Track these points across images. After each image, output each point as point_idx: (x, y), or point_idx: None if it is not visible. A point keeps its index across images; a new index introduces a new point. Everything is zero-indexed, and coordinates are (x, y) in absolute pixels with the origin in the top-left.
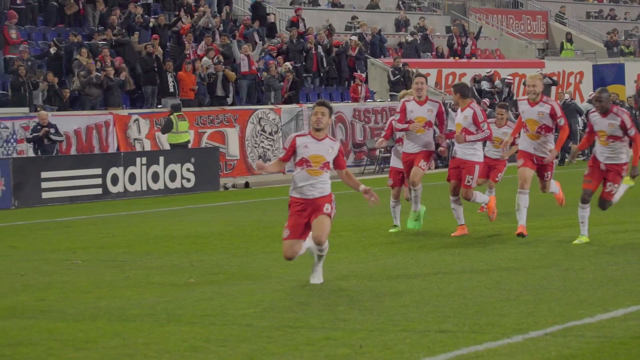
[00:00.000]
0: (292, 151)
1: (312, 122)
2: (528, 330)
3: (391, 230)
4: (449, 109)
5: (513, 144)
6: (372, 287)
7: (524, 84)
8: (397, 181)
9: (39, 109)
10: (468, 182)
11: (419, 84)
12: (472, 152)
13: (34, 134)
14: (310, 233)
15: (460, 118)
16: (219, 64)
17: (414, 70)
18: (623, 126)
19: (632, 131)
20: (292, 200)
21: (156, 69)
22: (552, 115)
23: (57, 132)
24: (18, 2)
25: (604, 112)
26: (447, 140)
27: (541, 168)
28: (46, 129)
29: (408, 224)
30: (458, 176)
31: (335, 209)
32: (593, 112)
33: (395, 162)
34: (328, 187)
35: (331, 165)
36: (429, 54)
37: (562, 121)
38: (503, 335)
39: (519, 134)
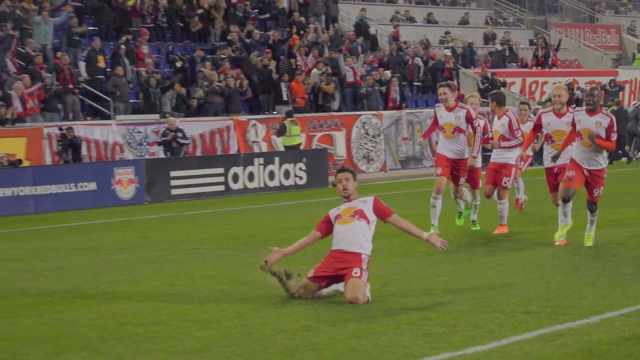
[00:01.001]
0: (325, 224)
1: (340, 191)
2: (604, 311)
3: (472, 228)
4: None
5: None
6: (463, 272)
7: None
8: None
9: (167, 116)
10: (505, 183)
11: (442, 95)
12: (509, 156)
13: (163, 138)
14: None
15: (498, 125)
16: (322, 75)
17: (502, 79)
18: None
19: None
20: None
21: (271, 80)
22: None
23: (184, 136)
24: (147, 21)
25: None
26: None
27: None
28: (173, 133)
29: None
30: (494, 180)
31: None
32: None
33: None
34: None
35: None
36: (514, 64)
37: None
38: (582, 316)
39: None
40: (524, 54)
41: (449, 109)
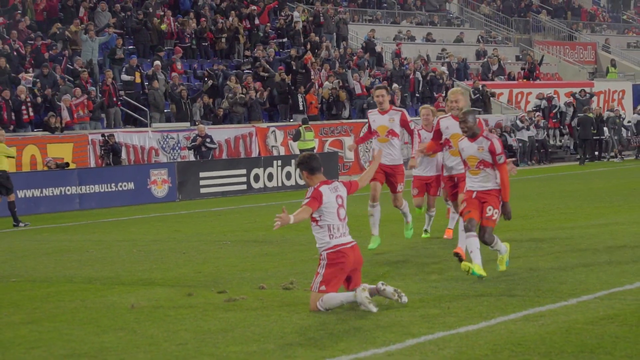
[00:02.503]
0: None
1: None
2: (581, 294)
3: (423, 236)
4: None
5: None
6: (456, 260)
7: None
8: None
9: (197, 123)
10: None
11: (379, 97)
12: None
13: (193, 143)
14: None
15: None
16: (334, 89)
17: (491, 90)
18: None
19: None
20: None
21: (288, 91)
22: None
23: (212, 141)
24: (183, 41)
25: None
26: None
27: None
28: (201, 138)
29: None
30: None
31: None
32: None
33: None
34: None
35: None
36: (502, 77)
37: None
38: (561, 299)
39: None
40: (511, 68)
41: (383, 112)
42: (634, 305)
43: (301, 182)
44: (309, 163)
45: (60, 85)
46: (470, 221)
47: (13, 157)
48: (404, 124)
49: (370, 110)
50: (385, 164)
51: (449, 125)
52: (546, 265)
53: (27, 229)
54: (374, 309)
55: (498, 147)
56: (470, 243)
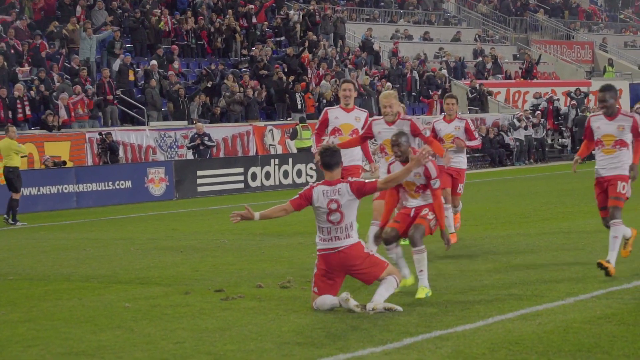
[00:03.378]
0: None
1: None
2: (578, 294)
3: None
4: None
5: None
6: (454, 260)
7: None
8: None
9: (195, 122)
10: (460, 190)
11: (347, 91)
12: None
13: (192, 143)
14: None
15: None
16: (333, 87)
17: (488, 89)
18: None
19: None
20: None
21: (285, 90)
22: (413, 129)
23: (210, 139)
24: (178, 39)
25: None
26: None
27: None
28: (199, 137)
29: None
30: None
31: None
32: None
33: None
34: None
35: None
36: (499, 75)
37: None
38: (558, 298)
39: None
40: (508, 66)
41: (348, 110)
42: (631, 304)
43: (297, 182)
44: (324, 157)
45: (58, 83)
46: (390, 231)
47: (25, 155)
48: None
49: (329, 108)
50: (345, 165)
51: (381, 131)
52: (543, 264)
53: (24, 227)
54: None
55: (433, 172)
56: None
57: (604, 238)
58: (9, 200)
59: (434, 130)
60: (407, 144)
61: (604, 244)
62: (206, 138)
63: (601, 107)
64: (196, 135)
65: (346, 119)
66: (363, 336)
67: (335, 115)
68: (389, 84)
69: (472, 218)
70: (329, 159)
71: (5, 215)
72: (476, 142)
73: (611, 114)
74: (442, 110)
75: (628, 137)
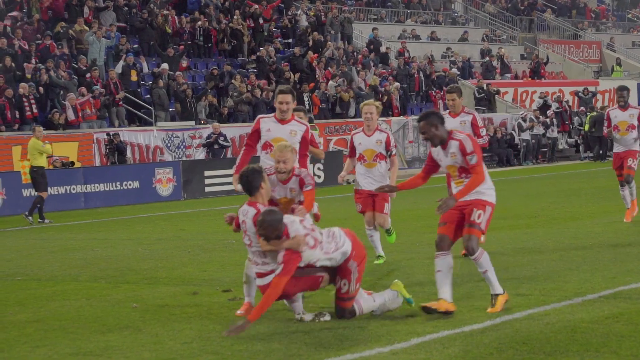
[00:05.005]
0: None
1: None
2: (586, 293)
3: (376, 262)
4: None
5: None
6: (461, 260)
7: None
8: (366, 205)
9: (202, 122)
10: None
11: (284, 104)
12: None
13: (208, 140)
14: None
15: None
16: (338, 87)
17: (495, 88)
18: None
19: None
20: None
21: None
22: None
23: (225, 139)
24: (184, 38)
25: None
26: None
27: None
28: (215, 136)
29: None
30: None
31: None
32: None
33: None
34: None
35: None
36: (507, 75)
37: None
38: (566, 298)
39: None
40: (516, 66)
41: (284, 122)
42: (639, 304)
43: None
44: (241, 180)
45: (63, 79)
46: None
47: (50, 155)
48: (304, 140)
49: (263, 116)
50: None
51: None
52: (551, 264)
53: (34, 227)
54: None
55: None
56: None
57: (611, 238)
58: (35, 198)
59: None
60: (274, 223)
61: (612, 244)
62: (222, 138)
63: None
64: (213, 135)
65: (279, 132)
66: (370, 336)
67: (268, 127)
68: (397, 84)
69: None
70: (247, 183)
71: (26, 215)
72: (482, 141)
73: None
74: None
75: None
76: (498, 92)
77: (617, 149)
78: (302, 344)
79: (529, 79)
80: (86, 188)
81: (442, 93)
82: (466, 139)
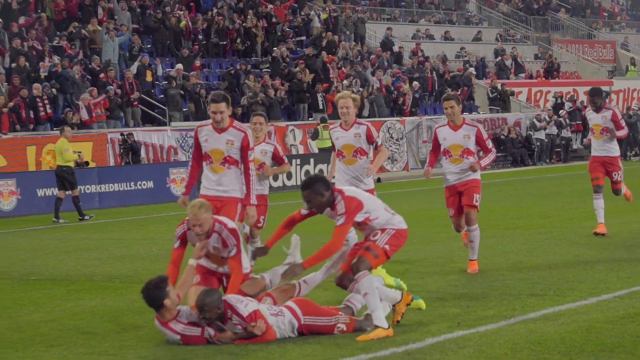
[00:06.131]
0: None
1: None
2: (600, 293)
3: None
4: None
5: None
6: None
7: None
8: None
9: None
10: (476, 201)
11: (218, 114)
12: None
13: None
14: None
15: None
16: (349, 87)
17: (510, 89)
18: None
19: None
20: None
21: (307, 90)
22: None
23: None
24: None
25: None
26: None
27: None
28: None
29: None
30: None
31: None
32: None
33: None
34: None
35: None
36: (521, 75)
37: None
38: (580, 298)
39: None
40: (530, 66)
41: (220, 131)
42: None
43: None
44: (144, 294)
45: (77, 76)
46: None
47: (78, 151)
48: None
49: (201, 125)
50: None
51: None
52: (565, 264)
53: (48, 227)
54: None
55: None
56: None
57: (626, 238)
58: (62, 200)
59: (436, 139)
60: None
61: (627, 244)
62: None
63: None
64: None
65: (216, 142)
66: (385, 337)
67: (205, 137)
68: (415, 83)
69: (493, 217)
70: (149, 299)
71: (79, 217)
72: (491, 157)
73: None
74: (465, 109)
75: None
76: (513, 94)
77: (595, 152)
78: (317, 343)
79: (543, 78)
80: (100, 188)
81: (458, 92)
82: (341, 204)
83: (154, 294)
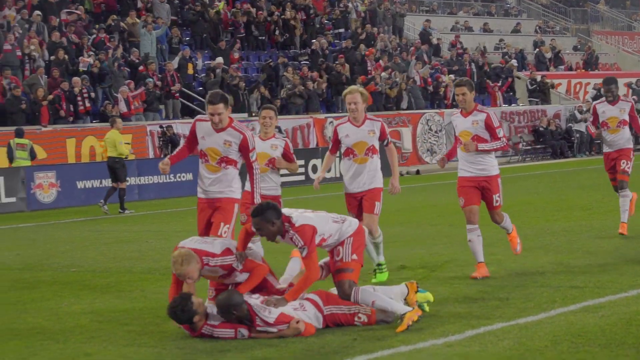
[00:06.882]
0: None
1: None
2: None
3: (374, 280)
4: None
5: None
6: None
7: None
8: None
9: (253, 114)
10: (497, 202)
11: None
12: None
13: None
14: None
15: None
16: (389, 79)
17: (550, 81)
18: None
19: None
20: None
21: (346, 82)
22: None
23: (280, 131)
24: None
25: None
26: None
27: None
28: None
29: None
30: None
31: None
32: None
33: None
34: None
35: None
36: (561, 67)
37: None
38: (621, 290)
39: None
40: (569, 58)
41: (218, 130)
42: None
43: None
44: (171, 314)
45: (118, 77)
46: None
47: (128, 143)
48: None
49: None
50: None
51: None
52: (606, 256)
53: (88, 219)
54: None
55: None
56: None
57: None
58: (109, 189)
59: (453, 128)
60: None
61: None
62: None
63: None
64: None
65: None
66: (424, 328)
67: (202, 134)
68: (451, 75)
69: (533, 210)
70: (179, 320)
71: (101, 201)
72: (498, 144)
73: None
74: (505, 100)
75: None
76: (553, 86)
77: (607, 148)
78: (357, 335)
79: (582, 70)
80: (140, 180)
81: (499, 85)
82: (296, 237)
83: (183, 317)
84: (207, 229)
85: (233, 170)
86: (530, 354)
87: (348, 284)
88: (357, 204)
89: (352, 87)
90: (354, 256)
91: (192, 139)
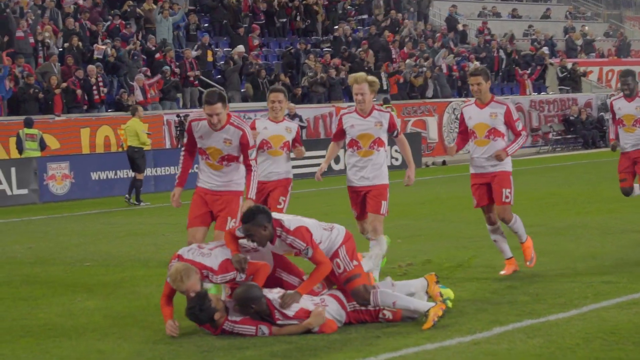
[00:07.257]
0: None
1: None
2: None
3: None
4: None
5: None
6: (545, 245)
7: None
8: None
9: None
10: (507, 198)
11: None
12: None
13: None
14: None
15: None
16: (415, 67)
17: (582, 68)
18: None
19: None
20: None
21: (369, 70)
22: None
23: (301, 120)
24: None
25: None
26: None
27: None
28: (290, 117)
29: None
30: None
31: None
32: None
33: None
34: None
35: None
36: (592, 54)
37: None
38: None
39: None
40: (600, 44)
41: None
42: None
43: None
44: (191, 316)
45: (130, 64)
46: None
47: (147, 133)
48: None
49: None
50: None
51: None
52: None
53: (102, 211)
54: None
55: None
56: None
57: None
58: (132, 180)
59: (462, 120)
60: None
61: None
62: (297, 119)
63: None
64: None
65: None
66: (451, 325)
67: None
68: (477, 63)
69: (564, 202)
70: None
71: (126, 195)
72: (521, 141)
73: None
74: (535, 89)
75: None
76: (585, 74)
77: (627, 147)
78: (381, 332)
79: (614, 57)
80: (156, 171)
81: (528, 73)
82: (295, 241)
83: (203, 316)
84: (202, 218)
85: (236, 165)
86: (561, 352)
87: (364, 288)
88: (360, 200)
89: (359, 75)
90: (355, 262)
91: (191, 141)
